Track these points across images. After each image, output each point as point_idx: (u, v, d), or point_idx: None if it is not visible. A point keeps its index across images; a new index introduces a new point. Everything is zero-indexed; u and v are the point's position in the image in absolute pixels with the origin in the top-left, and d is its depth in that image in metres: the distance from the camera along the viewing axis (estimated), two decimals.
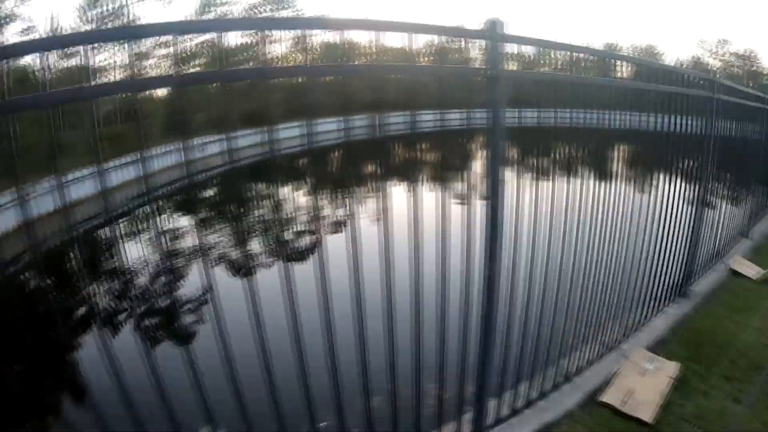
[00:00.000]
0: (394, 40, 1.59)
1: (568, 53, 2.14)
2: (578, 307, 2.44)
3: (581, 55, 2.23)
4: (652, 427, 2.40)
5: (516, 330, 2.10)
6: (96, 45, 1.34)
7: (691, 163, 3.63)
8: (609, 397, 2.59)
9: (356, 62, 1.69)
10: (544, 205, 2.08)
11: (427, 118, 2.11)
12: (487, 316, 1.93)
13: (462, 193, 1.89)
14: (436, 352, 1.90)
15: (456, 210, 1.80)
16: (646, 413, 2.48)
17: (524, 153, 2.10)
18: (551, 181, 2.16)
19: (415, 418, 1.98)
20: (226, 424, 1.77)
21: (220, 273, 9.68)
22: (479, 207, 1.84)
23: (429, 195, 1.92)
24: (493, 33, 1.74)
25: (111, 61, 26.60)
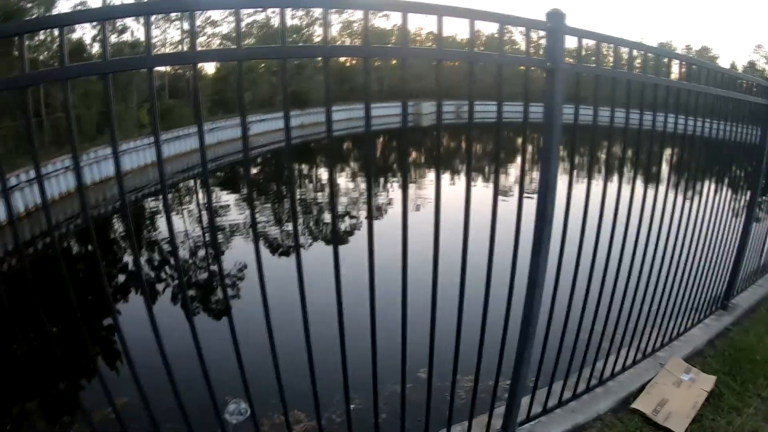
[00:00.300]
0: (450, 27, 1.56)
1: (628, 50, 2.08)
2: (618, 312, 2.40)
3: (641, 52, 2.15)
4: None
5: (555, 329, 2.07)
6: (152, 17, 1.34)
7: (743, 172, 3.50)
8: (641, 404, 2.55)
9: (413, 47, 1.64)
10: (592, 205, 2.04)
11: (481, 109, 2.09)
12: (527, 312, 1.91)
13: (513, 187, 1.87)
14: (475, 344, 1.89)
15: (506, 204, 1.78)
16: (678, 425, 2.43)
17: (575, 151, 2.05)
18: (601, 181, 2.12)
19: (448, 407, 1.99)
20: (258, 399, 1.80)
21: (262, 250, 9.73)
22: (529, 202, 1.81)
23: (479, 186, 1.90)
24: (555, 24, 1.70)
25: (162, 37, 27.18)
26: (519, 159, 1.94)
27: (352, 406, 3.05)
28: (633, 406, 2.53)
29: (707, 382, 2.80)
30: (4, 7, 16.84)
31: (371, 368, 1.74)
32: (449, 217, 1.70)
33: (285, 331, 1.62)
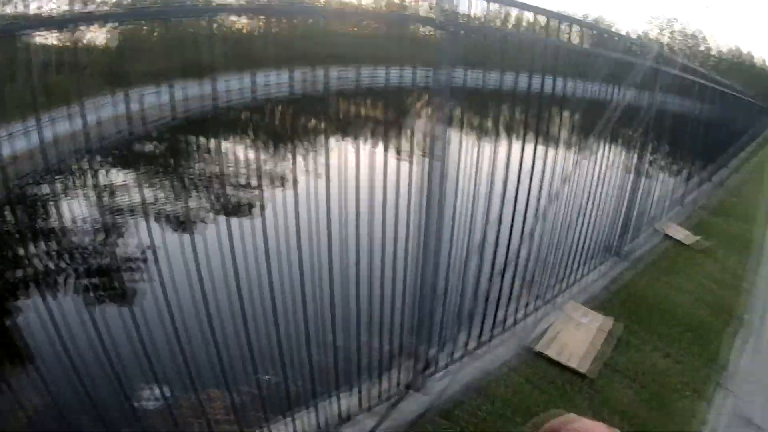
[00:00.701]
0: None
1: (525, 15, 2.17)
2: (517, 262, 2.54)
3: (533, 15, 2.24)
4: (586, 377, 2.56)
5: (455, 283, 2.16)
6: None
7: (632, 132, 3.79)
8: (545, 347, 2.74)
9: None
10: (487, 163, 2.13)
11: (371, 74, 2.10)
12: (424, 267, 1.98)
13: (406, 148, 1.92)
14: (376, 303, 1.94)
15: (399, 164, 1.82)
16: (580, 364, 2.64)
17: (470, 113, 2.13)
18: (495, 140, 2.22)
19: (356, 367, 2.04)
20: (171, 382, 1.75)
21: (159, 229, 9.28)
22: (424, 163, 1.86)
23: (371, 149, 1.92)
24: None
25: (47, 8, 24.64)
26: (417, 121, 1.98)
27: (266, 377, 3.05)
28: (537, 349, 2.72)
29: (606, 323, 3.06)
30: None
31: (276, 338, 1.74)
32: (344, 182, 1.72)
33: (195, 310, 1.57)
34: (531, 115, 2.49)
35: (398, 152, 1.94)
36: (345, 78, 1.92)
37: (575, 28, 2.76)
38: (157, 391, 3.77)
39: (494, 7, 2.01)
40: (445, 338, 2.27)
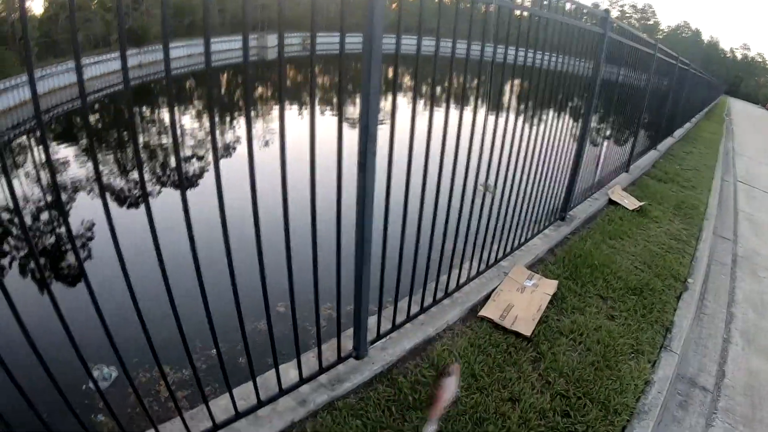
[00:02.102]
0: None
1: None
2: (459, 226, 2.52)
3: None
4: (531, 340, 2.60)
5: (394, 247, 2.12)
6: None
7: (578, 100, 3.83)
8: (489, 311, 2.77)
9: None
10: (425, 127, 2.07)
11: (321, 41, 2.00)
12: (359, 232, 1.92)
13: (336, 113, 1.82)
14: (311, 271, 1.88)
15: (331, 130, 1.74)
16: (525, 327, 2.67)
17: (407, 78, 2.05)
18: (434, 107, 2.16)
19: (294, 336, 1.99)
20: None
21: (108, 203, 8.87)
22: (356, 128, 1.78)
23: (302, 113, 1.83)
24: None
25: None
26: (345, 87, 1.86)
27: (211, 352, 2.96)
28: (481, 313, 2.75)
29: (550, 286, 3.12)
30: None
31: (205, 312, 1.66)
32: (277, 146, 1.62)
33: (140, 284, 1.46)
34: (475, 81, 2.44)
35: (339, 117, 1.85)
36: (292, 44, 1.79)
37: None
38: (106, 370, 3.67)
39: None
40: (386, 304, 2.25)
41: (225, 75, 24.91)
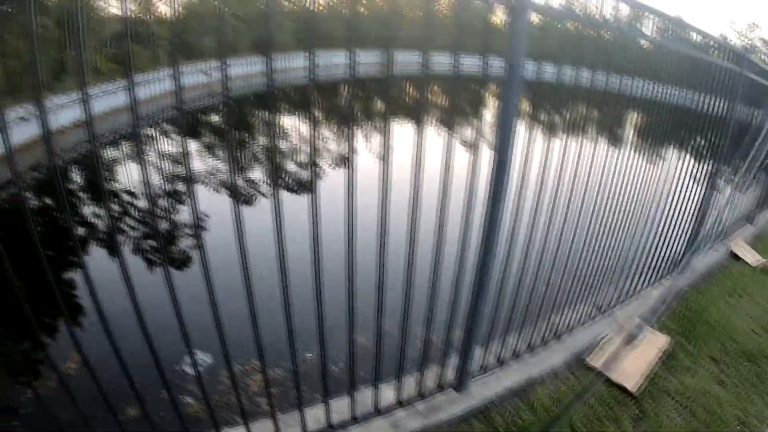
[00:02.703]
0: None
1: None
2: (576, 267, 2.41)
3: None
4: (634, 396, 2.41)
5: (511, 282, 2.06)
6: None
7: (708, 141, 3.52)
8: (595, 360, 2.60)
9: None
10: (554, 162, 2.01)
11: (441, 61, 2.02)
12: (483, 264, 1.89)
13: (471, 140, 1.82)
14: (428, 295, 1.87)
15: (463, 156, 1.74)
16: (630, 382, 2.49)
17: (539, 108, 2.00)
18: (564, 139, 2.08)
19: (400, 359, 1.98)
20: (209, 351, 1.75)
21: (219, 200, 9.63)
22: (488, 155, 1.76)
23: (436, 139, 1.85)
24: None
25: None
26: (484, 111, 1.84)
27: (309, 355, 3.05)
28: (587, 361, 2.58)
29: (661, 341, 2.87)
30: None
31: (318, 319, 1.71)
32: (405, 169, 1.65)
33: (245, 283, 1.55)
34: (603, 114, 2.33)
35: (466, 143, 1.85)
36: (413, 62, 1.83)
37: (655, 21, 2.55)
38: (201, 356, 3.89)
39: None
40: (493, 339, 2.18)
41: (344, 88, 25.59)
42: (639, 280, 3.08)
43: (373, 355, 1.89)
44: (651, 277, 3.27)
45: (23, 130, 15.27)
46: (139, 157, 1.33)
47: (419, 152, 1.62)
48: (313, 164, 1.65)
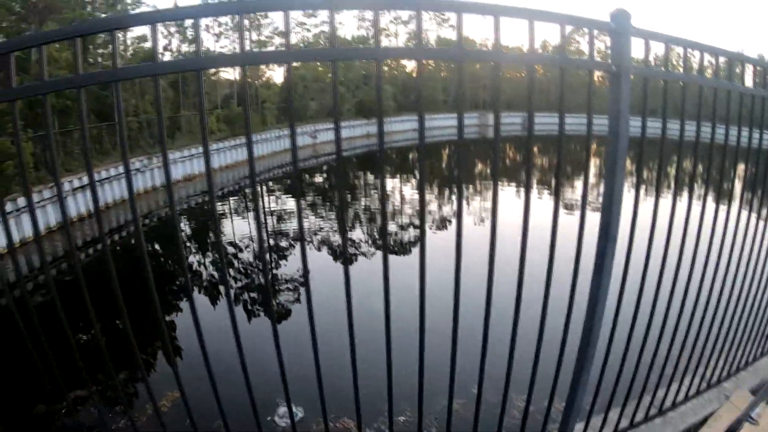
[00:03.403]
0: (509, 32, 1.51)
1: (699, 54, 1.94)
2: (683, 337, 2.24)
3: (714, 56, 2.01)
4: None
5: (615, 352, 1.95)
6: (158, 24, 1.36)
7: None
8: None
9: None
10: (660, 223, 1.92)
11: (546, 121, 2.02)
12: (587, 333, 1.81)
13: (574, 202, 1.78)
14: (530, 363, 1.81)
15: (570, 218, 1.70)
16: None
17: (644, 165, 1.93)
18: (670, 197, 1.99)
19: (498, 427, 1.91)
20: (310, 403, 1.79)
21: (322, 256, 10.07)
22: (592, 217, 1.71)
23: (538, 199, 1.83)
24: (620, 25, 1.61)
25: (231, 47, 28.48)
26: (584, 172, 1.81)
27: (402, 418, 3.01)
28: None
29: None
30: (80, 16, 18.16)
31: (417, 382, 1.70)
32: (511, 231, 1.64)
33: (346, 337, 1.59)
34: (711, 168, 2.20)
35: (566, 205, 1.82)
36: (514, 123, 1.84)
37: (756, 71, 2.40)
38: (294, 409, 3.95)
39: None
40: (594, 412, 2.05)
41: (446, 150, 26.51)
42: (751, 349, 2.80)
43: (469, 421, 1.84)
44: (765, 345, 2.96)
45: (138, 181, 17.18)
46: (255, 211, 1.44)
47: (526, 219, 1.60)
48: (422, 224, 1.66)
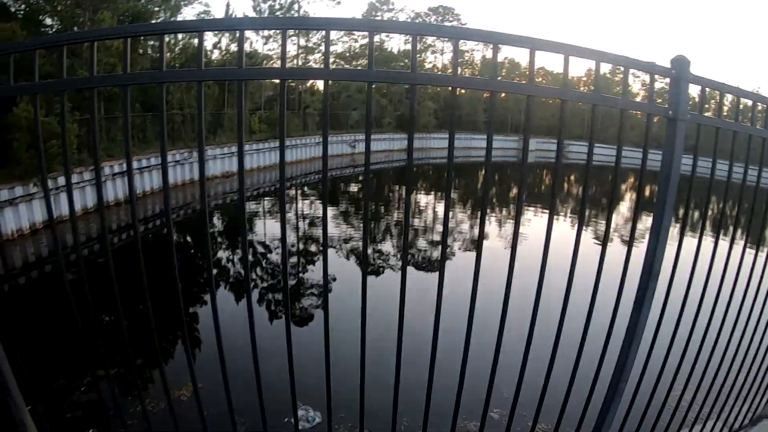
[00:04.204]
0: (560, 64, 1.53)
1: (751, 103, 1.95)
2: (712, 381, 2.22)
3: (764, 105, 2.02)
4: None
5: (645, 389, 1.95)
6: (204, 33, 1.42)
7: None
8: None
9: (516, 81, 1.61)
10: (702, 264, 1.92)
11: (578, 150, 2.02)
12: (620, 367, 1.81)
13: (619, 234, 1.79)
14: (560, 392, 1.81)
15: (611, 250, 1.70)
16: None
17: (689, 204, 1.94)
18: (715, 239, 1.99)
19: None
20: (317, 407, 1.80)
21: (352, 267, 10.11)
22: (636, 252, 1.72)
23: (584, 230, 1.83)
24: (679, 71, 1.63)
25: (278, 52, 29.19)
26: (627, 206, 1.79)
27: None
28: None
29: None
30: (133, 8, 18.61)
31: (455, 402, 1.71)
32: (552, 259, 1.64)
33: (376, 348, 1.61)
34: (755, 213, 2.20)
35: (601, 238, 1.82)
36: (551, 150, 1.85)
37: None
38: (311, 414, 3.98)
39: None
40: None
41: (481, 170, 26.55)
42: None
43: None
44: None
45: (176, 173, 17.51)
46: (281, 213, 1.49)
47: (575, 253, 1.62)
48: (444, 243, 1.68)
